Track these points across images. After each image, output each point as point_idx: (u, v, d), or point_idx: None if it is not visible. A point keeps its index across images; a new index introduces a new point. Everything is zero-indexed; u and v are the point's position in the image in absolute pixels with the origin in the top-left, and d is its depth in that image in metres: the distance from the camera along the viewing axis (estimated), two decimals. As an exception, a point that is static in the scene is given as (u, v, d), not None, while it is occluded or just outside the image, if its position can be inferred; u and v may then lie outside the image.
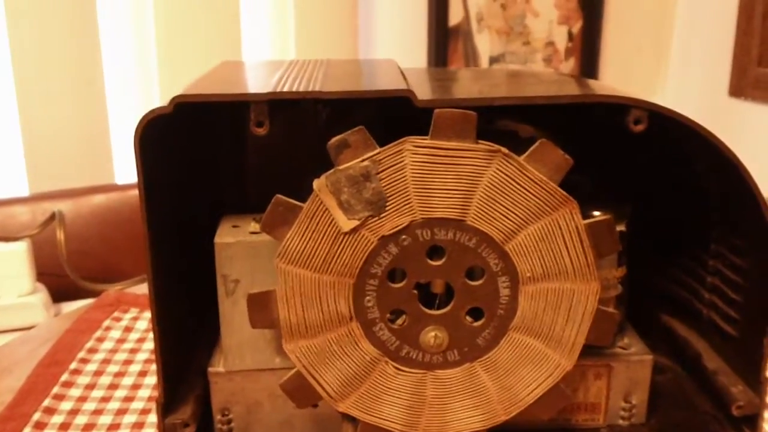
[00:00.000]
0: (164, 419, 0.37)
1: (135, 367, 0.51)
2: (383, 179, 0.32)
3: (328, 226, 0.33)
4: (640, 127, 0.34)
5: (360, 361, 0.35)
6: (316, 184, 0.33)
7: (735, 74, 1.24)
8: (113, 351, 0.53)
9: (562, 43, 1.40)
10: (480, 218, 0.33)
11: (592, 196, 0.37)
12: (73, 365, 0.50)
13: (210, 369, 0.39)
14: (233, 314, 0.38)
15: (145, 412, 0.45)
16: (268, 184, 0.35)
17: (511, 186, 0.33)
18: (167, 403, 0.37)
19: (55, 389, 0.47)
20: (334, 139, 0.32)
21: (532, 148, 0.32)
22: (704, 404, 0.42)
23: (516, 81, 0.47)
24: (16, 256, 0.76)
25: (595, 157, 0.38)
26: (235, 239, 0.37)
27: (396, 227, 0.33)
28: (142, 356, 0.53)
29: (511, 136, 0.39)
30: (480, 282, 0.34)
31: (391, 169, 0.32)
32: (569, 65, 1.41)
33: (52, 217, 0.81)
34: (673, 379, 0.45)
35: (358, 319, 0.34)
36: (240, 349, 0.39)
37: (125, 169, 1.18)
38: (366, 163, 0.32)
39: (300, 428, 0.40)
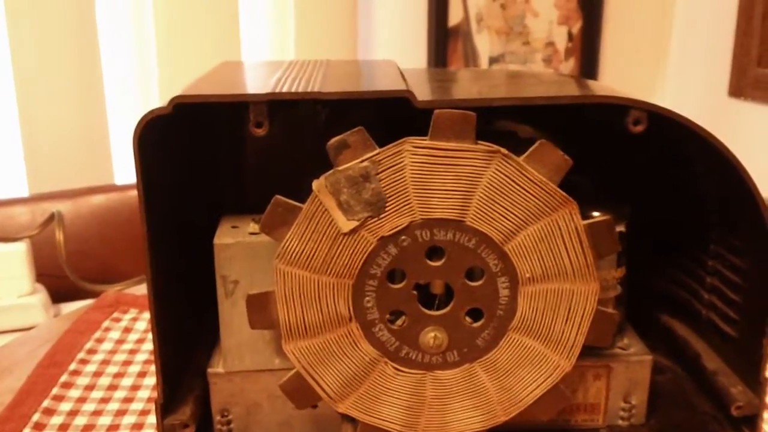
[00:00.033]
0: (163, 420, 0.37)
1: (134, 368, 0.51)
2: (382, 180, 0.32)
3: (328, 226, 0.33)
4: (639, 128, 0.34)
5: (359, 362, 0.35)
6: (316, 184, 0.33)
7: (734, 75, 1.24)
8: (112, 352, 0.53)
9: (561, 43, 1.40)
10: (479, 219, 0.33)
11: (592, 196, 0.37)
12: (72, 366, 0.50)
13: (209, 370, 0.39)
14: (232, 315, 0.38)
15: (144, 413, 0.45)
16: (267, 185, 0.35)
17: (511, 186, 0.33)
18: (166, 403, 0.37)
19: (55, 390, 0.47)
20: (333, 140, 0.32)
21: (531, 149, 0.32)
22: (704, 405, 0.42)
23: (515, 81, 0.47)
24: (16, 257, 0.76)
25: (594, 158, 0.38)
26: (235, 240, 0.37)
27: (395, 228, 0.33)
28: (141, 357, 0.53)
29: (510, 136, 0.39)
30: (479, 283, 0.34)
31: (391, 169, 0.32)
32: (569, 65, 1.41)
33: (52, 217, 0.81)
34: (673, 380, 0.45)
35: (358, 319, 0.34)
36: (239, 350, 0.39)
37: (124, 170, 1.18)
38: (365, 163, 0.32)
39: (299, 429, 0.40)
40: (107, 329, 0.57)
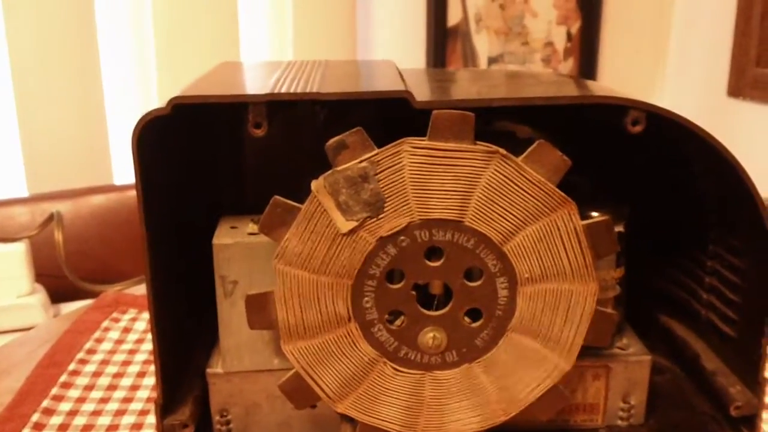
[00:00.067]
0: (163, 420, 0.37)
1: (134, 368, 0.51)
2: (381, 180, 0.32)
3: (327, 227, 0.33)
4: (638, 128, 0.34)
5: (358, 362, 0.35)
6: (314, 185, 0.33)
7: (733, 75, 1.24)
8: (112, 352, 0.53)
9: (560, 43, 1.40)
10: (478, 219, 0.33)
11: (591, 197, 0.37)
12: (71, 366, 0.50)
13: (208, 370, 0.39)
14: (231, 315, 0.38)
15: (143, 413, 0.45)
16: (266, 185, 0.35)
17: (510, 187, 0.33)
18: (166, 404, 0.37)
19: (54, 390, 0.47)
20: (332, 140, 0.32)
21: (530, 149, 0.32)
22: (703, 405, 0.42)
23: (514, 82, 0.47)
24: (15, 257, 0.77)
25: (593, 158, 0.38)
26: (234, 240, 0.37)
27: (394, 228, 0.33)
28: (140, 357, 0.53)
29: (509, 137, 0.39)
30: (478, 283, 0.34)
31: (390, 170, 0.32)
32: (568, 65, 1.41)
33: (51, 217, 0.81)
34: (672, 380, 0.45)
35: (357, 320, 0.34)
36: (238, 350, 0.39)
37: (124, 170, 1.19)
38: (364, 164, 0.32)
39: (298, 429, 0.40)
40: (106, 329, 0.57)
